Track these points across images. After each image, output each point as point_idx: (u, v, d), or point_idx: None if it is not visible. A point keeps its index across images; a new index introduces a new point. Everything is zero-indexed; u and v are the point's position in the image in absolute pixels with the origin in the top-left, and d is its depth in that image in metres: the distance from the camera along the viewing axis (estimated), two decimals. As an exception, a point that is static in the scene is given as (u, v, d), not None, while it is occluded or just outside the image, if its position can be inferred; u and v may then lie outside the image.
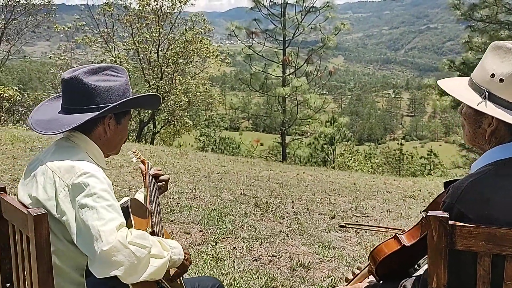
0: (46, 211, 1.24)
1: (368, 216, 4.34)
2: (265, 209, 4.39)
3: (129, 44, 15.43)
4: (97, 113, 1.43)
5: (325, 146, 27.49)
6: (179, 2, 15.31)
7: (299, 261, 3.11)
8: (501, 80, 1.15)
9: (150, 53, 15.55)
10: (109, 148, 1.53)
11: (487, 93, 1.17)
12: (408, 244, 1.39)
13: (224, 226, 3.72)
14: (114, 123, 1.50)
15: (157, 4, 15.18)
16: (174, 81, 15.39)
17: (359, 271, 1.63)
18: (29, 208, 1.29)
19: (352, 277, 1.63)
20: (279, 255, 3.22)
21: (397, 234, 1.43)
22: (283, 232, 3.72)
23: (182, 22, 16.38)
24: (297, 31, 18.82)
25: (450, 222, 1.09)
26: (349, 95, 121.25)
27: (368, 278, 1.56)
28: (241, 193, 5.13)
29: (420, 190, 5.44)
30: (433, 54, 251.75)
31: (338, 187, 6.16)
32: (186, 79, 15.94)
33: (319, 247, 3.38)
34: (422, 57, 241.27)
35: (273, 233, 3.67)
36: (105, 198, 1.30)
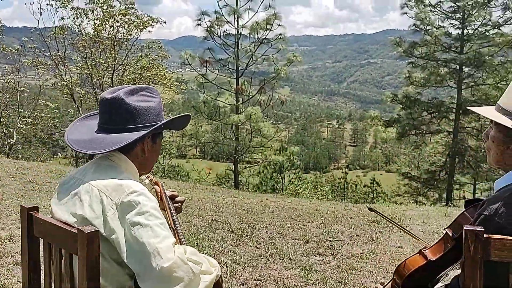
0: (97, 229, 1.25)
1: (340, 240, 4.48)
2: (240, 235, 4.43)
3: (82, 68, 15.11)
4: (146, 131, 1.47)
5: (274, 174, 27.85)
6: (136, 28, 15.29)
7: (285, 284, 3.17)
8: None
9: (103, 78, 15.30)
10: (144, 167, 1.56)
11: None
12: (433, 259, 1.51)
13: (204, 251, 3.72)
14: (150, 143, 1.54)
15: (113, 30, 15.05)
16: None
17: (381, 287, 1.72)
18: (73, 227, 1.30)
19: (377, 289, 1.71)
20: (264, 279, 3.26)
21: (422, 250, 1.55)
22: (263, 256, 3.77)
23: (138, 48, 16.31)
24: (250, 61, 19.20)
25: (485, 235, 1.22)
26: (295, 125, 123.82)
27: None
28: (212, 219, 5.13)
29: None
30: (373, 87, 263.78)
31: (302, 213, 6.28)
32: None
33: (302, 270, 3.46)
34: (363, 90, 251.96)
35: (254, 258, 3.71)
36: (156, 216, 1.33)
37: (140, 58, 15.46)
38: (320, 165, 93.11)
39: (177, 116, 1.61)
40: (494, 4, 21.80)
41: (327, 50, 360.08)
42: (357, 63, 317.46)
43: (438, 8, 22.81)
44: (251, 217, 5.49)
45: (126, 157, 1.50)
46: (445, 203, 21.40)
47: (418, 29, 22.67)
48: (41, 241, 1.44)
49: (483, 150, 23.27)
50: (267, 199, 7.70)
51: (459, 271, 1.53)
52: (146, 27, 15.59)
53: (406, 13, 23.07)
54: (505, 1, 21.60)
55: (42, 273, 1.46)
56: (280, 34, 19.23)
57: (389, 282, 1.66)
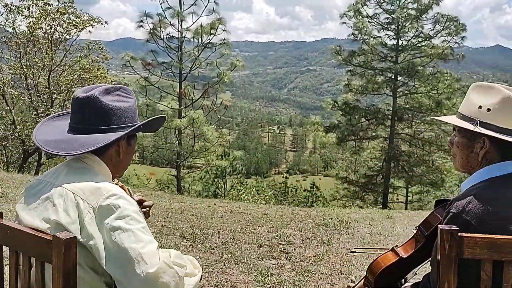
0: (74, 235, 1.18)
1: (292, 243, 4.53)
2: (192, 240, 4.36)
3: (16, 68, 14.28)
4: (124, 132, 1.42)
5: (215, 179, 27.75)
6: (75, 28, 14.68)
7: (242, 289, 3.16)
8: (489, 110, 1.41)
9: (39, 79, 14.56)
10: (118, 170, 1.49)
11: (478, 121, 1.41)
12: (405, 256, 1.56)
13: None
14: (125, 144, 1.48)
15: (50, 29, 14.36)
16: (65, 109, 14.52)
17: (353, 284, 1.75)
18: (46, 233, 1.22)
19: (347, 292, 1.75)
20: (222, 284, 3.24)
21: (394, 247, 1.60)
22: (218, 261, 3.74)
23: (77, 49, 15.66)
24: (193, 65, 19.06)
25: (459, 234, 1.28)
26: (236, 130, 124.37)
27: (363, 291, 1.69)
28: (162, 224, 5.02)
29: (331, 219, 5.80)
30: (312, 94, 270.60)
31: (251, 217, 6.30)
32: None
33: (258, 274, 3.47)
34: (303, 96, 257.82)
35: (209, 263, 3.67)
36: (138, 220, 1.28)
37: (80, 59, 14.86)
38: (261, 170, 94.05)
39: (154, 117, 1.56)
40: (426, 17, 23.07)
41: (268, 56, 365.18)
42: (297, 70, 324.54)
43: (375, 19, 23.84)
44: (201, 222, 5.43)
45: (99, 159, 1.43)
46: (381, 206, 22.33)
47: (356, 38, 23.57)
48: (5, 249, 1.35)
49: (416, 155, 24.56)
50: (214, 204, 7.65)
51: (428, 270, 1.60)
52: (86, 27, 15.01)
53: (345, 22, 23.83)
54: (435, 15, 22.93)
55: (5, 283, 1.36)
56: (224, 39, 19.26)
57: (360, 281, 1.71)
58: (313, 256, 4.04)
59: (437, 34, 23.06)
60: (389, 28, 23.43)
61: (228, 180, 28.89)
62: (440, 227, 1.30)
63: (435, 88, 22.91)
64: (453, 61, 22.57)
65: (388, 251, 1.61)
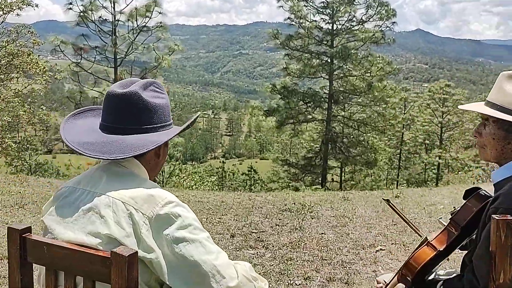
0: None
1: (264, 231, 4.51)
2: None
3: None
4: (177, 132, 1.28)
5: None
6: (1, 10, 13.51)
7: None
8: None
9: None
10: (154, 173, 1.35)
11: None
12: (442, 249, 1.56)
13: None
14: (163, 145, 1.34)
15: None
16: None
17: (386, 282, 1.72)
18: (97, 249, 1.08)
19: (380, 286, 1.72)
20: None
21: (429, 241, 1.58)
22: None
23: (4, 33, 14.48)
24: (129, 49, 18.35)
25: (513, 223, 1.29)
26: (171, 115, 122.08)
27: (397, 287, 1.67)
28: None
29: (294, 204, 5.84)
30: (246, 77, 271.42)
31: (211, 206, 6.21)
32: (7, 97, 14.09)
33: (241, 266, 3.40)
34: (237, 80, 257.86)
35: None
36: (201, 229, 1.16)
37: (6, 44, 13.76)
38: (197, 155, 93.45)
39: (196, 116, 1.43)
40: (359, 2, 23.71)
41: (200, 40, 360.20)
42: (230, 53, 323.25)
43: (310, 3, 24.15)
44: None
45: (139, 162, 1.28)
46: (320, 186, 23.01)
47: (293, 22, 23.81)
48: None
49: (352, 136, 25.48)
50: (182, 195, 7.44)
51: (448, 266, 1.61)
52: (13, 9, 13.89)
53: (281, 6, 23.91)
54: (367, 0, 23.63)
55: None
56: (160, 22, 18.65)
57: (393, 278, 1.68)
58: (289, 243, 4.04)
59: (369, 19, 23.78)
60: (324, 12, 23.86)
61: (166, 167, 28.37)
62: (495, 217, 1.31)
63: (368, 71, 23.72)
64: (381, 44, 23.46)
65: (424, 246, 1.58)
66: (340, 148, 25.04)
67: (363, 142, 25.54)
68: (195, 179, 23.14)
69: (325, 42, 23.74)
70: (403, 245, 3.89)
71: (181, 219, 1.14)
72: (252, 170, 47.10)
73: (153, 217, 1.13)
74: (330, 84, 23.69)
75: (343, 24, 23.87)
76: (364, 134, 25.56)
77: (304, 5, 23.76)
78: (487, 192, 1.58)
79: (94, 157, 1.21)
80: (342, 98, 23.99)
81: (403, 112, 36.75)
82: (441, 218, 1.73)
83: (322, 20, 23.84)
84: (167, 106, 1.33)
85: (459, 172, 35.67)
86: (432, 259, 1.55)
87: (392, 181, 36.02)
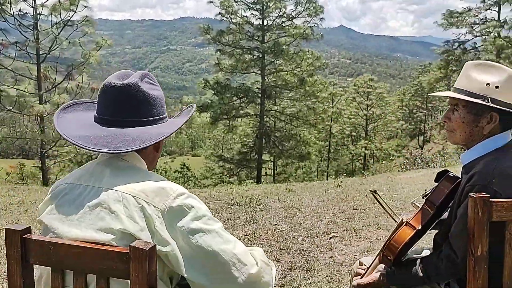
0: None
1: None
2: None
3: None
4: (181, 124, 1.26)
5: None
6: None
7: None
8: (497, 87, 1.54)
9: None
10: (151, 166, 1.32)
11: (488, 98, 1.55)
12: (420, 228, 1.66)
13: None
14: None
15: None
16: None
17: (366, 266, 1.80)
18: (110, 245, 1.05)
19: (362, 271, 1.79)
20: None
21: (407, 222, 1.68)
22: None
23: None
24: (53, 45, 17.43)
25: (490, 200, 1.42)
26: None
27: (377, 268, 1.76)
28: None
29: (242, 197, 5.88)
30: (175, 74, 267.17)
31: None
32: None
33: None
34: (165, 77, 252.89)
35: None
36: (215, 219, 1.16)
37: None
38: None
39: (194, 108, 1.41)
40: (288, -2, 24.18)
41: (125, 35, 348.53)
42: (157, 49, 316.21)
43: (241, -1, 24.25)
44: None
45: (138, 155, 1.25)
46: (256, 181, 23.29)
47: (224, 17, 23.83)
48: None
49: (284, 130, 26.01)
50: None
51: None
52: None
53: (212, 1, 23.82)
54: (296, -3, 24.15)
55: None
56: (86, 16, 17.88)
57: (374, 260, 1.76)
58: (245, 235, 4.08)
59: (298, 15, 24.31)
60: (255, 8, 24.07)
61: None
62: (473, 195, 1.43)
63: (299, 66, 24.30)
64: (311, 40, 24.11)
65: (403, 227, 1.67)
66: (274, 142, 25.48)
67: (295, 136, 26.16)
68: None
69: (257, 38, 23.99)
70: (354, 231, 4.07)
71: (194, 210, 1.14)
72: (184, 167, 46.61)
73: (166, 210, 1.11)
74: (263, 79, 24.00)
75: (274, 20, 24.24)
76: (296, 128, 26.18)
77: (235, 1, 23.83)
78: (455, 174, 1.71)
79: (98, 151, 1.17)
80: (274, 93, 24.39)
81: (331, 106, 38.11)
82: (414, 201, 1.84)
83: (253, 15, 24.06)
84: (163, 98, 1.31)
85: (383, 162, 37.67)
86: (411, 238, 1.65)
87: (323, 172, 37.27)
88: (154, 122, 1.27)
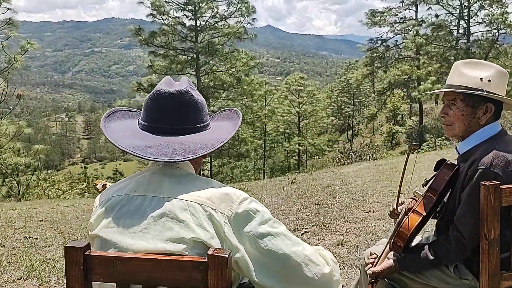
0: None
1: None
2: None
3: None
4: (234, 131, 1.24)
5: (5, 179, 24.45)
6: None
7: None
8: (489, 81, 1.70)
9: None
10: (197, 172, 1.30)
11: (484, 90, 1.69)
12: (425, 214, 1.77)
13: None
14: None
15: None
16: None
17: (376, 254, 1.87)
18: (181, 255, 1.03)
19: (373, 260, 1.86)
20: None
21: (413, 209, 1.78)
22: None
23: None
24: (-29, 49, 16.27)
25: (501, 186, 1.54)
26: (17, 121, 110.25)
27: (388, 255, 1.84)
28: (26, 236, 4.31)
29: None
30: (101, 77, 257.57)
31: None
32: None
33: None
34: (91, 80, 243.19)
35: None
36: (279, 222, 1.17)
37: None
38: (52, 162, 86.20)
39: (240, 117, 1.39)
40: (220, -2, 24.18)
41: (44, 38, 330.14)
42: (80, 52, 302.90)
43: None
44: (59, 227, 4.84)
45: (189, 163, 1.23)
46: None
47: (156, 18, 23.39)
48: None
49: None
50: (58, 204, 6.85)
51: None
52: None
53: (142, 2, 23.30)
54: (226, -4, 24.18)
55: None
56: (9, 19, 16.86)
57: (385, 248, 1.84)
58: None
59: (231, 15, 24.38)
60: (187, 9, 23.83)
61: (22, 178, 25.75)
62: (485, 183, 1.55)
63: (234, 66, 24.41)
64: (244, 40, 24.30)
65: (411, 214, 1.77)
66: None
67: (234, 135, 26.26)
68: (63, 188, 21.39)
69: (190, 39, 23.78)
70: (323, 225, 4.18)
71: (260, 214, 1.14)
72: (118, 173, 45.13)
73: (232, 216, 1.11)
74: (198, 80, 23.83)
75: (207, 21, 24.14)
76: (235, 128, 26.26)
77: (166, 1, 23.46)
78: (453, 162, 1.84)
79: (160, 161, 1.14)
80: (211, 93, 24.32)
81: (264, 104, 38.63)
82: (415, 190, 1.95)
83: (185, 16, 23.80)
84: (205, 103, 1.30)
85: (316, 156, 38.85)
86: (419, 224, 1.76)
87: (259, 171, 37.69)
88: (203, 128, 1.25)
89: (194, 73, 24.12)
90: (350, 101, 51.19)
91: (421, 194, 1.88)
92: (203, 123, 1.25)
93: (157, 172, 1.19)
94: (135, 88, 24.05)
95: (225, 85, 24.34)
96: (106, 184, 1.75)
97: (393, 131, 35.03)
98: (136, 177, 1.21)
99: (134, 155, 1.15)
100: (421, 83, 29.67)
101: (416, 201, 1.87)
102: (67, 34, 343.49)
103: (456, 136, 1.81)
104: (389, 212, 2.04)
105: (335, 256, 3.29)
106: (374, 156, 23.06)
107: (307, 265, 1.14)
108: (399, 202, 1.99)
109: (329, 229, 4.06)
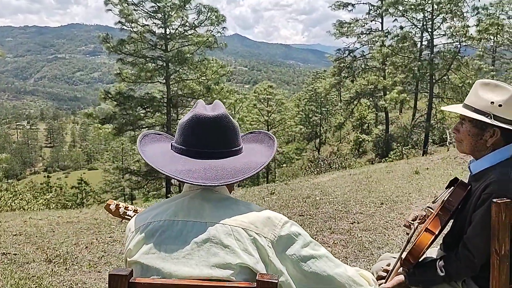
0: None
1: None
2: (62, 262, 3.77)
3: None
4: (272, 154, 1.24)
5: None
6: None
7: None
8: (500, 105, 1.74)
9: None
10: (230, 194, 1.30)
11: (492, 115, 1.74)
12: (437, 233, 1.81)
13: None
14: None
15: None
16: None
17: (388, 267, 1.91)
18: (228, 281, 1.02)
19: (384, 274, 1.89)
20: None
21: (427, 227, 1.81)
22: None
23: None
24: None
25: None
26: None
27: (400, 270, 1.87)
28: (3, 252, 4.15)
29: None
30: (64, 83, 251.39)
31: (85, 224, 5.76)
32: None
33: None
34: (54, 87, 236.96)
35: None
36: (318, 244, 1.17)
37: None
38: (13, 171, 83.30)
39: (265, 133, 1.38)
40: (189, 7, 24.11)
41: (5, 43, 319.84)
42: (43, 58, 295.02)
43: (141, 7, 23.71)
44: (40, 241, 4.68)
45: (225, 186, 1.22)
46: (165, 193, 22.87)
47: (124, 26, 23.11)
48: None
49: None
50: (30, 217, 6.62)
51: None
52: None
53: (110, 9, 23.00)
54: (198, 5, 24.19)
55: None
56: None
57: (396, 264, 1.87)
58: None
59: (201, 24, 24.34)
60: (156, 17, 23.65)
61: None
62: (497, 201, 1.60)
63: (204, 74, 24.35)
64: (212, 49, 24.28)
65: (423, 232, 1.80)
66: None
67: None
68: (27, 198, 20.69)
69: (159, 47, 23.58)
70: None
71: (301, 237, 1.15)
72: (82, 182, 43.95)
73: (275, 239, 1.11)
74: (168, 89, 23.64)
75: (176, 29, 24.00)
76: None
77: (134, 9, 23.21)
78: (465, 182, 1.89)
79: (203, 185, 1.13)
80: (181, 101, 24.15)
81: (234, 113, 38.66)
82: (428, 205, 1.99)
83: (155, 24, 23.60)
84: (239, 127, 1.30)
85: (285, 165, 39.15)
86: (431, 242, 1.80)
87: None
88: (239, 151, 1.25)
89: (163, 81, 23.92)
90: (317, 110, 51.86)
91: (433, 211, 1.92)
92: (239, 147, 1.25)
93: (196, 196, 1.18)
94: (103, 96, 23.60)
95: (195, 94, 24.21)
96: (119, 205, 1.72)
97: (360, 139, 35.71)
98: (173, 201, 1.20)
99: (181, 181, 1.14)
100: (387, 92, 30.48)
101: (428, 217, 1.92)
102: (29, 39, 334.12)
103: (464, 153, 1.86)
104: (404, 224, 2.07)
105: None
106: (343, 164, 23.45)
107: (350, 286, 1.15)
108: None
109: (316, 240, 4.08)
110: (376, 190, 6.27)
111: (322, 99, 50.11)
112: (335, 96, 51.75)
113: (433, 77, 28.04)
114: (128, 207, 1.78)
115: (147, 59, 23.47)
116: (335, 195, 6.13)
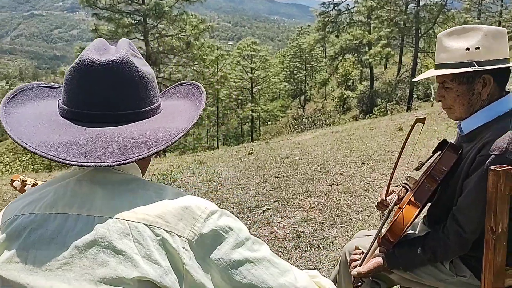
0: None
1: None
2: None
3: None
4: (195, 120, 0.88)
5: None
6: None
7: None
8: (477, 48, 1.41)
9: None
10: (145, 171, 0.95)
11: (473, 62, 1.41)
12: (421, 206, 1.50)
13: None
14: None
15: None
16: None
17: (361, 249, 1.61)
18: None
19: (358, 257, 1.59)
20: None
21: (410, 199, 1.50)
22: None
23: None
24: None
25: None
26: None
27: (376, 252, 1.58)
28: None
29: (154, 174, 5.45)
30: (43, 41, 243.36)
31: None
32: None
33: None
34: (32, 45, 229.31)
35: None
36: (259, 241, 0.84)
37: None
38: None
39: (204, 94, 1.00)
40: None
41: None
42: (19, 14, 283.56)
43: (116, -43, 22.56)
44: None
45: (135, 163, 0.87)
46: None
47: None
48: None
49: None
50: (-6, 183, 6.25)
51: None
52: None
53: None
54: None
55: None
56: None
57: (372, 243, 1.57)
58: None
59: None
60: (131, -32, 22.55)
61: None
62: (496, 168, 1.30)
63: (184, 30, 23.59)
64: (191, 3, 23.42)
65: (406, 205, 1.50)
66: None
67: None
68: (6, 161, 20.07)
69: (136, 1, 22.62)
70: (286, 201, 3.94)
71: (233, 233, 0.81)
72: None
73: (195, 239, 0.77)
74: (147, 45, 22.87)
75: (150, -21, 22.98)
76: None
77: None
78: (455, 144, 1.58)
79: (85, 166, 0.77)
80: (161, 58, 23.43)
81: (217, 70, 37.87)
82: (409, 176, 1.69)
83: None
84: (154, 76, 0.92)
85: (269, 122, 38.93)
86: (415, 217, 1.50)
87: (212, 138, 37.33)
88: (152, 112, 0.88)
89: (142, 37, 23.09)
90: (302, 66, 51.14)
91: (416, 179, 1.62)
92: (151, 106, 0.88)
93: (85, 178, 0.83)
94: (78, 54, 22.75)
95: (174, 50, 23.48)
96: (26, 181, 1.36)
97: (345, 96, 35.45)
98: (54, 185, 0.85)
99: (48, 158, 0.78)
100: (372, 47, 29.96)
101: (409, 188, 1.62)
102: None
103: (461, 119, 1.54)
104: (376, 204, 1.78)
105: (300, 236, 3.08)
106: (327, 121, 23.25)
107: None
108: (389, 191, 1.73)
109: (292, 204, 3.82)
110: (357, 148, 6.00)
111: (306, 55, 49.32)
112: (320, 52, 51.02)
113: (419, 31, 27.56)
114: (37, 184, 1.40)
115: (124, 13, 22.53)
116: (314, 154, 5.85)
